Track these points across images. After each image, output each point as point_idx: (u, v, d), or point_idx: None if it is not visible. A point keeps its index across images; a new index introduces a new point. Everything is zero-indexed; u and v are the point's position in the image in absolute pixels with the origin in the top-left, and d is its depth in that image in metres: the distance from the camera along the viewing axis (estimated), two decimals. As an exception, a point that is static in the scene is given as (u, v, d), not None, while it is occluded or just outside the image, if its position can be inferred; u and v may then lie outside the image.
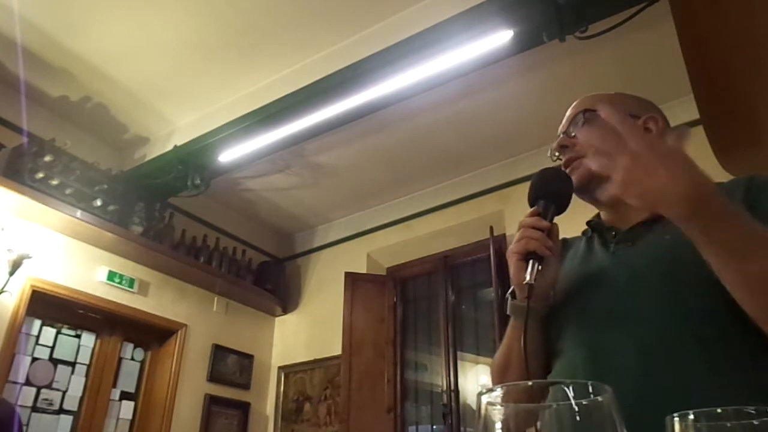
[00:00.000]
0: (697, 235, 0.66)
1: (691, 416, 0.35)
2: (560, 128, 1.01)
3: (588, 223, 0.98)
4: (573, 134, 0.96)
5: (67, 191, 2.97)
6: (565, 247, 0.97)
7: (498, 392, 0.32)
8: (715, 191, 0.64)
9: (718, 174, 2.77)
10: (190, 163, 3.25)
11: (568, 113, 1.01)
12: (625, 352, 0.74)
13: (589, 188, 0.92)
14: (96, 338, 3.28)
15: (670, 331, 0.73)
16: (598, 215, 0.99)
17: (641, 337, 0.74)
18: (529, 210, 0.86)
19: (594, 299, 0.85)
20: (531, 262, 0.79)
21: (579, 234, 1.01)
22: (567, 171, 0.93)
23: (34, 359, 2.99)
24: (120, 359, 3.39)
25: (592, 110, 0.95)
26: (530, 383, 0.32)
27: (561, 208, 0.86)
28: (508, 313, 0.88)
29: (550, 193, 0.86)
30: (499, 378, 0.94)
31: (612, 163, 0.67)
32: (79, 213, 2.96)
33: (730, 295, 0.67)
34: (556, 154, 0.98)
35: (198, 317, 3.71)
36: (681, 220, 0.65)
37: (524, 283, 0.79)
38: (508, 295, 0.88)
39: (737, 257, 0.64)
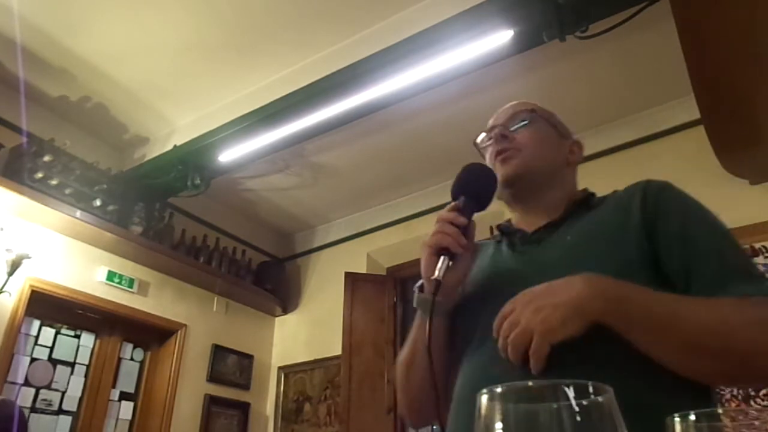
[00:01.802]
0: (623, 325, 0.70)
1: (692, 416, 0.35)
2: (496, 120, 1.03)
3: (498, 227, 1.01)
4: (514, 129, 0.99)
5: (67, 191, 2.96)
6: (476, 250, 0.97)
7: (498, 392, 0.32)
8: (620, 286, 0.70)
9: (718, 173, 2.77)
10: (190, 163, 3.25)
11: (507, 109, 1.05)
12: None
13: (516, 182, 0.94)
14: (95, 338, 3.28)
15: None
16: (508, 220, 1.02)
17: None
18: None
19: (502, 296, 0.84)
20: (442, 258, 0.79)
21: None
22: (499, 160, 0.96)
23: (33, 359, 2.98)
24: (119, 359, 3.39)
25: (537, 114, 1.00)
26: (530, 383, 0.32)
27: (482, 206, 0.87)
28: (414, 305, 0.87)
29: (473, 189, 0.87)
30: (404, 376, 0.92)
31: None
32: (78, 213, 2.96)
33: None
34: (489, 141, 1.00)
35: (198, 317, 3.71)
36: (606, 316, 0.69)
37: (432, 278, 0.79)
38: (416, 288, 0.88)
39: (658, 334, 0.69)
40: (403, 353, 0.93)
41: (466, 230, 0.84)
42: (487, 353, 0.79)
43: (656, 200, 0.82)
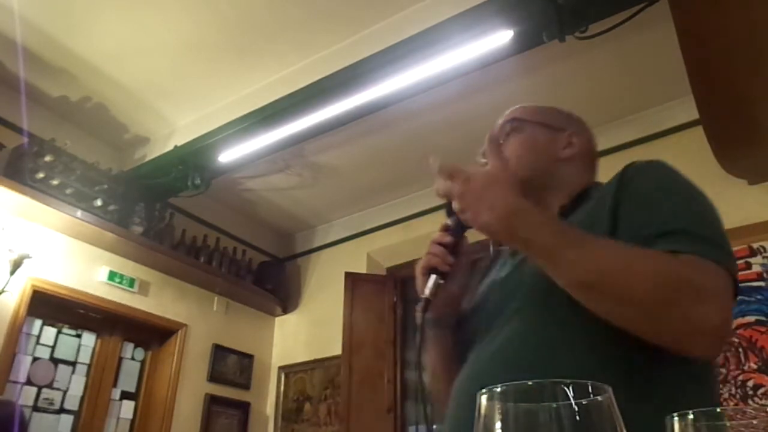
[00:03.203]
0: (521, 250, 0.79)
1: (691, 416, 0.36)
2: (488, 135, 1.03)
3: None
4: (500, 142, 1.00)
5: (68, 191, 2.97)
6: (497, 257, 1.02)
7: (498, 392, 0.33)
8: (524, 215, 0.73)
9: (716, 173, 2.78)
10: (190, 163, 3.25)
11: (498, 122, 1.05)
12: (498, 339, 0.80)
13: None
14: (96, 338, 3.29)
15: (538, 323, 0.78)
16: None
17: (526, 327, 0.80)
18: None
19: (489, 304, 0.89)
20: (432, 277, 0.84)
21: None
22: None
23: (35, 359, 2.99)
24: (120, 359, 3.39)
25: (520, 119, 1.00)
26: (530, 383, 0.32)
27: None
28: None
29: None
30: (431, 385, 0.99)
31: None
32: (79, 213, 2.96)
33: None
34: (483, 159, 1.01)
35: (198, 317, 3.71)
36: (506, 241, 0.80)
37: (421, 297, 0.84)
38: (418, 306, 0.91)
39: (553, 268, 0.73)
40: (429, 366, 0.99)
41: (456, 248, 0.87)
42: (474, 355, 0.83)
43: (627, 184, 0.81)
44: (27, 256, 2.77)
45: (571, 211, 0.89)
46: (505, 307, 0.84)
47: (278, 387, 4.04)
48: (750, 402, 2.31)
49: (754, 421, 0.34)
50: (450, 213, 0.89)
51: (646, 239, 0.72)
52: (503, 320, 0.82)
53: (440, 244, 0.87)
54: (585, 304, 0.71)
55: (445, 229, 0.90)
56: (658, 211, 0.75)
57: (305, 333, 4.11)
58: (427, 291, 0.83)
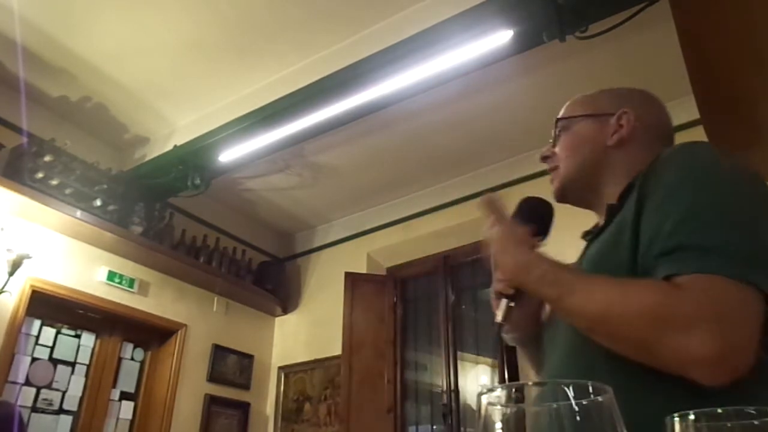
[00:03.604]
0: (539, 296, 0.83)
1: (692, 416, 0.35)
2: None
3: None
4: (554, 144, 0.99)
5: (67, 191, 2.97)
6: None
7: (498, 392, 0.33)
8: (532, 269, 0.78)
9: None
10: (190, 163, 3.25)
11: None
12: (555, 348, 0.86)
13: (565, 195, 0.96)
14: (96, 338, 3.29)
15: (580, 338, 0.78)
16: None
17: (565, 337, 0.82)
18: None
19: (553, 318, 0.92)
20: (502, 301, 0.85)
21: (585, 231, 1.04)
22: (551, 179, 0.99)
23: (34, 359, 2.99)
24: (120, 359, 3.39)
25: (566, 118, 0.98)
26: (530, 383, 0.32)
27: (542, 236, 0.91)
28: None
29: (529, 224, 0.90)
30: None
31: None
32: (79, 213, 2.96)
33: None
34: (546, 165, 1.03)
35: (198, 317, 3.71)
36: (524, 287, 0.83)
37: (496, 321, 0.87)
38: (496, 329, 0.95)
39: (563, 313, 0.78)
40: None
41: None
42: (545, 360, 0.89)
43: (649, 181, 0.76)
44: (26, 256, 2.77)
45: (616, 211, 0.83)
46: (560, 322, 0.85)
47: (278, 387, 4.04)
48: (750, 402, 2.30)
49: (755, 422, 0.34)
50: None
51: (656, 258, 0.69)
52: (559, 334, 0.84)
53: None
54: (603, 343, 0.72)
55: None
56: (666, 220, 0.70)
57: (305, 333, 4.11)
58: (499, 315, 0.85)
